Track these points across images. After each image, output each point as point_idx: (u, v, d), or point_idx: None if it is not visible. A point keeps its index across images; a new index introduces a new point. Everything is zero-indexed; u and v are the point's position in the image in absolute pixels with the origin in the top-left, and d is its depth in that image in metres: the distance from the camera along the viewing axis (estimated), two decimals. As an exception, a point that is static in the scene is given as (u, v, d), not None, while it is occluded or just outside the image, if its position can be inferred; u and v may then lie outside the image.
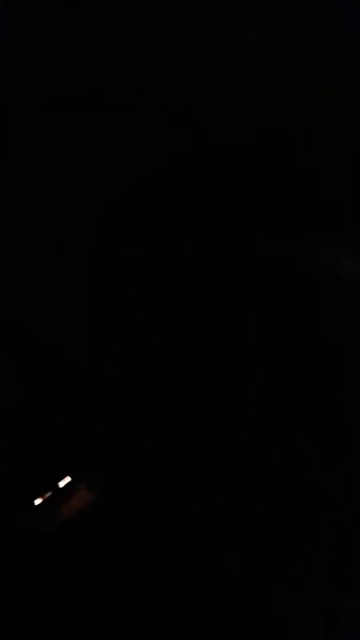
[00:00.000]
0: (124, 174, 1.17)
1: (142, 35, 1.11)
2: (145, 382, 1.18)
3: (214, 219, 1.18)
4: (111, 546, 1.11)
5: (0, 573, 1.10)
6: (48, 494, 1.17)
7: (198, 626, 1.05)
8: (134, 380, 1.19)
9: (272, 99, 1.13)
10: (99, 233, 1.18)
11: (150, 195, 1.17)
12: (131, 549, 1.10)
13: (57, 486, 1.17)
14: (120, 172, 1.17)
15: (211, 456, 1.14)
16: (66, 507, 1.16)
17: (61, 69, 1.10)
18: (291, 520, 1.09)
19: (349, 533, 1.07)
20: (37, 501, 1.16)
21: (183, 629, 1.05)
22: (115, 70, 1.12)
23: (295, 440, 1.12)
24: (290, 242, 1.17)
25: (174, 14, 1.11)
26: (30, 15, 1.05)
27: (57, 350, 1.20)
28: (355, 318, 1.15)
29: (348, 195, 1.14)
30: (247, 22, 1.11)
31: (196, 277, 1.19)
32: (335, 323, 1.16)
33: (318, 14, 1.08)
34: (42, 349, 1.19)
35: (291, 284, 1.17)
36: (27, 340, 1.18)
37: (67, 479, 1.18)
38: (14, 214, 1.16)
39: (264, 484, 1.12)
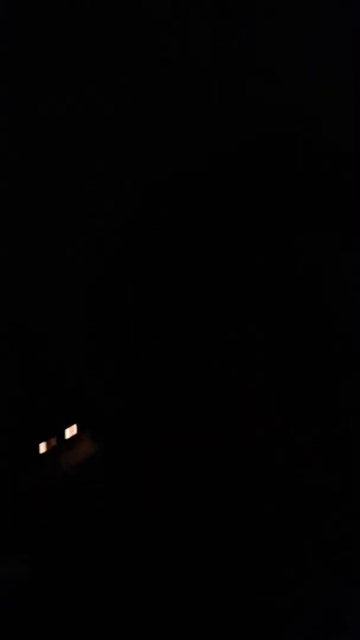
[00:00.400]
0: (123, 178, 1.17)
1: (142, 35, 1.11)
2: (145, 383, 1.18)
3: (215, 220, 1.18)
4: (112, 498, 1.13)
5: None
6: (53, 442, 1.20)
7: (198, 626, 1.05)
8: (134, 380, 1.19)
9: (272, 99, 1.13)
10: (101, 235, 1.18)
11: (151, 197, 1.17)
12: (132, 523, 1.11)
13: (63, 435, 1.20)
14: (120, 175, 1.17)
15: (211, 456, 1.14)
16: (69, 456, 1.19)
17: (61, 68, 1.10)
18: (291, 519, 1.09)
19: (349, 533, 1.07)
20: (42, 448, 1.19)
21: (183, 628, 1.05)
22: (115, 70, 1.12)
23: (295, 440, 1.12)
24: (291, 243, 1.17)
25: (174, 14, 1.11)
26: (30, 15, 1.05)
27: (58, 350, 1.20)
28: (355, 318, 1.15)
29: (348, 195, 1.14)
30: (247, 22, 1.12)
31: (196, 277, 1.19)
32: (335, 323, 1.16)
33: (318, 14, 1.08)
34: (42, 347, 1.19)
35: (291, 285, 1.17)
36: (27, 340, 1.18)
37: (73, 430, 1.21)
38: (19, 214, 1.16)
39: (264, 484, 1.12)
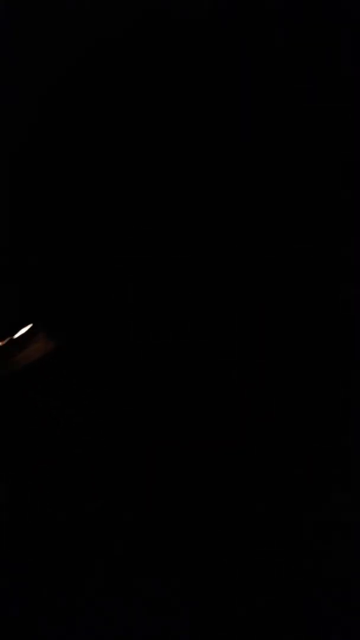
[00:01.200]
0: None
1: (142, 35, 1.12)
2: (145, 382, 1.18)
3: (216, 221, 1.18)
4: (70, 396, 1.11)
5: None
6: (6, 339, 1.15)
7: (198, 626, 1.05)
8: (134, 380, 1.19)
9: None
10: (100, 232, 1.19)
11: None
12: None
13: (17, 333, 1.15)
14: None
15: (211, 456, 1.14)
16: (24, 354, 1.14)
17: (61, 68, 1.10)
18: (291, 520, 1.09)
19: (349, 533, 1.07)
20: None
21: (183, 628, 1.04)
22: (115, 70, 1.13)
23: (294, 439, 1.12)
24: (292, 243, 1.17)
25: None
26: (30, 15, 1.06)
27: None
28: (354, 315, 1.15)
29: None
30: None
31: (196, 276, 1.19)
32: (335, 322, 1.16)
33: None
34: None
35: (291, 284, 1.17)
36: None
37: (28, 326, 1.16)
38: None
39: (264, 484, 1.12)
